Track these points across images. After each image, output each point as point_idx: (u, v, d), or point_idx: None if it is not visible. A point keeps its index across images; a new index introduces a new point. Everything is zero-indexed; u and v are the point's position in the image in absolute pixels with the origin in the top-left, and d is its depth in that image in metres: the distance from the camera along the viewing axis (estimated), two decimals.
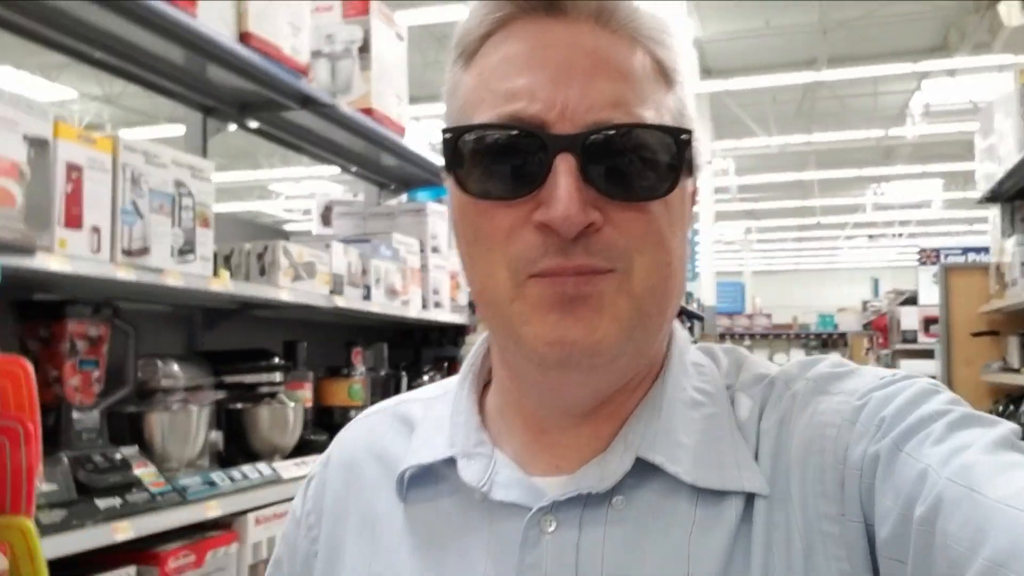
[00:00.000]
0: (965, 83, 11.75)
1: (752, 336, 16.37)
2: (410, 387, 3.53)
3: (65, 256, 1.71)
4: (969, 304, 4.46)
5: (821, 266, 28.32)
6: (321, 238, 3.05)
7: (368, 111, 3.01)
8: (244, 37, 2.31)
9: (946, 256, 7.25)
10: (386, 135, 3.15)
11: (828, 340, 16.34)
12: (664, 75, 0.67)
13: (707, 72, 12.88)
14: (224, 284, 2.23)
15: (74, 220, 1.75)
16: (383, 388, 3.33)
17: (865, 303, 14.42)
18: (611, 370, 0.66)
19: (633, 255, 0.64)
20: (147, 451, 2.13)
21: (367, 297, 3.01)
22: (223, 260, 2.39)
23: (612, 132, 0.62)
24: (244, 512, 2.25)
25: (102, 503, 1.82)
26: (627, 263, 0.63)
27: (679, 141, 0.64)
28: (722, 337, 14.92)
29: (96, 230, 1.81)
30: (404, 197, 4.08)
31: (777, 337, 16.74)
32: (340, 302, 2.79)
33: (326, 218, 3.83)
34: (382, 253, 3.14)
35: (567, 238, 0.61)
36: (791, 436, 0.66)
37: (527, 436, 0.71)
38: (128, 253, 1.89)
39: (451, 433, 0.73)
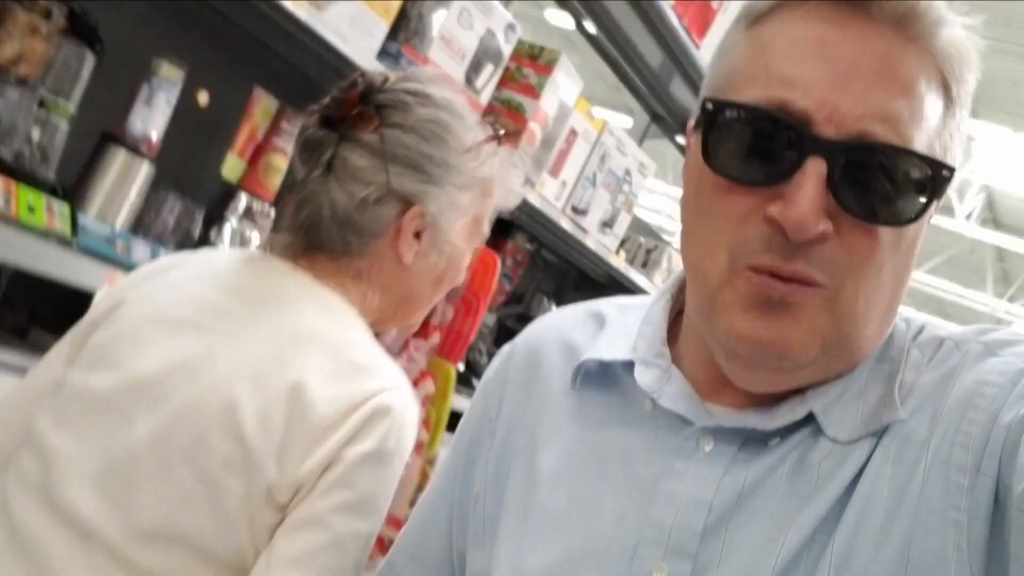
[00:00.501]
0: None
1: None
2: None
3: (539, 195, 2.17)
4: None
5: None
6: None
7: None
8: None
9: None
10: None
11: None
12: (948, 100, 0.64)
13: None
14: (619, 262, 2.63)
15: (556, 171, 2.20)
16: None
17: None
18: (794, 375, 0.66)
19: (848, 275, 0.62)
20: None
21: None
22: (621, 242, 2.79)
23: (871, 149, 0.60)
24: None
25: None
26: (840, 281, 0.62)
27: (938, 176, 0.61)
28: None
29: (564, 184, 2.26)
30: None
31: None
32: None
33: None
34: None
35: (794, 242, 0.60)
36: (949, 391, 0.64)
37: (707, 371, 0.70)
38: (575, 210, 2.33)
39: (636, 340, 0.74)
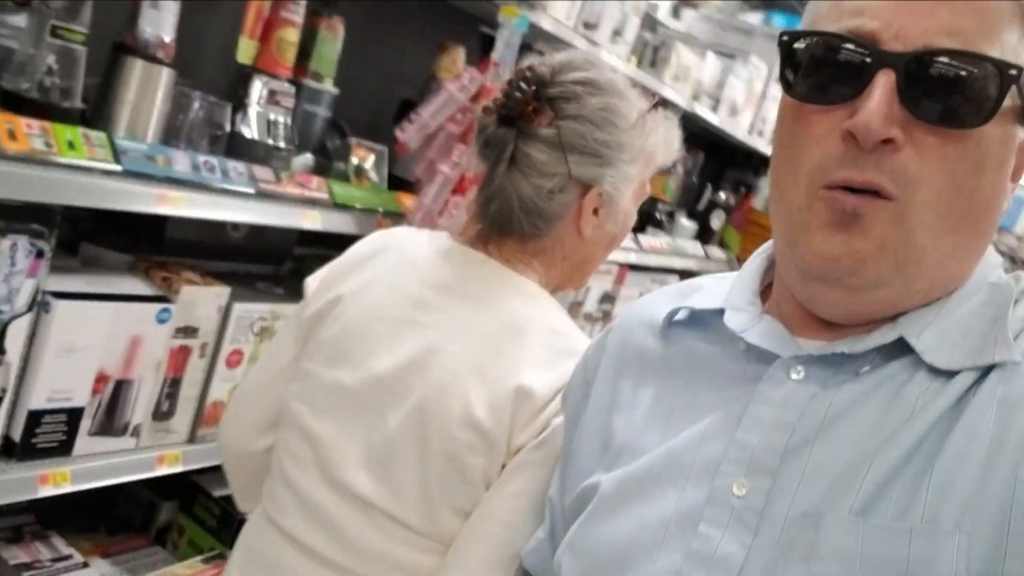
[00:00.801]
0: None
1: None
2: (710, 201, 3.81)
3: (550, 17, 2.07)
4: None
5: None
6: (697, 42, 3.25)
7: None
8: None
9: None
10: None
11: None
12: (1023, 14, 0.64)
13: None
14: (630, 69, 2.55)
15: None
16: (691, 194, 3.65)
17: None
18: (870, 298, 0.67)
19: (921, 184, 0.63)
20: None
21: (715, 109, 3.26)
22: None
23: (935, 56, 0.62)
24: None
25: None
26: (911, 193, 0.63)
27: (1005, 76, 0.63)
28: None
29: (573, 3, 2.15)
30: (760, 16, 4.16)
31: None
32: (698, 109, 3.06)
33: (676, 9, 4.00)
34: (738, 72, 3.32)
35: (864, 148, 0.63)
36: None
37: (798, 311, 0.73)
38: (586, 26, 2.23)
39: (729, 291, 0.78)
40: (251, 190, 1.53)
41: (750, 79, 3.44)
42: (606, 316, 3.04)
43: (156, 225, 1.68)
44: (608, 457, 0.79)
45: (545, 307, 1.11)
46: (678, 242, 3.51)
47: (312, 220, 1.66)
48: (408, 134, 1.81)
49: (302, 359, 1.12)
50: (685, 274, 3.64)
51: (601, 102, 1.09)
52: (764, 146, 3.84)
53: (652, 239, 3.25)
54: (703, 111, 3.14)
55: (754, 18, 4.18)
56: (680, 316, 0.80)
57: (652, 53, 2.75)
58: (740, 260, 4.23)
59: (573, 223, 1.13)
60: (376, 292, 1.10)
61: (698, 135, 3.74)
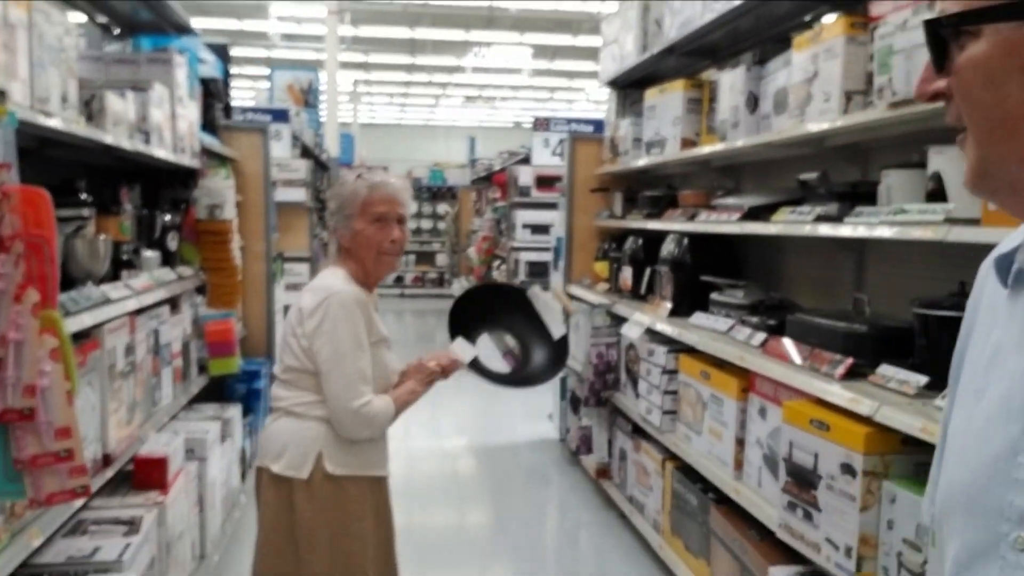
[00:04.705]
0: None
1: None
2: (163, 226, 3.87)
3: (15, 105, 2.01)
4: (587, 167, 5.79)
5: (421, 122, 29.89)
6: (92, 84, 3.25)
7: None
8: None
9: (554, 125, 8.80)
10: None
11: (438, 192, 17.91)
12: None
13: None
14: (81, 127, 2.54)
15: (14, 73, 2.04)
16: (145, 226, 3.67)
17: (474, 161, 16.05)
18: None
19: (965, 113, 0.76)
20: None
21: (147, 140, 3.33)
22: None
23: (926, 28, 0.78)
24: (99, 324, 2.67)
25: None
26: (968, 119, 0.76)
27: (938, 25, 0.76)
28: None
29: (24, 81, 2.10)
30: (124, 43, 4.20)
31: None
32: (139, 146, 3.11)
33: None
34: (152, 100, 3.42)
35: (928, 101, 0.80)
36: None
37: None
38: (40, 101, 2.19)
39: None
40: None
41: (160, 103, 3.56)
42: (133, 367, 3.02)
43: None
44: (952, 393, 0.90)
45: (331, 276, 2.45)
46: (156, 274, 3.56)
47: None
48: None
49: None
50: (171, 301, 3.70)
51: (334, 191, 2.56)
52: (188, 161, 4.01)
53: (138, 280, 3.26)
54: (141, 146, 3.21)
55: (116, 47, 4.18)
56: (999, 263, 0.84)
57: (87, 108, 2.73)
58: (203, 269, 4.39)
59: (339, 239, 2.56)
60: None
61: (133, 169, 3.75)
